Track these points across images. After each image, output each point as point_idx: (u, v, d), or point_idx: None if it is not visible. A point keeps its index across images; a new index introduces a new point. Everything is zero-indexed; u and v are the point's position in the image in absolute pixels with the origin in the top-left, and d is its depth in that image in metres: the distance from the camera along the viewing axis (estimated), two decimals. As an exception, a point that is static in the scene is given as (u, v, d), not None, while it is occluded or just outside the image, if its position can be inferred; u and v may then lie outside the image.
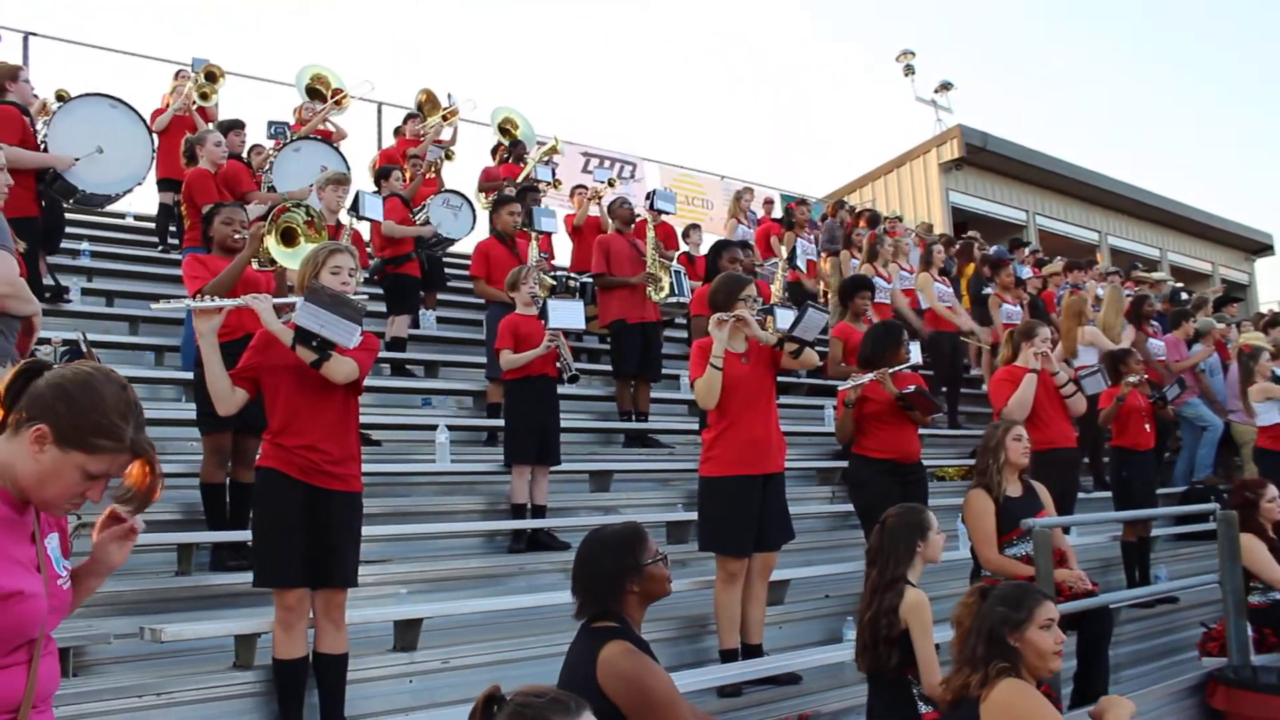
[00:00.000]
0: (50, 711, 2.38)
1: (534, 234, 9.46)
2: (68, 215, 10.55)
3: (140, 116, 8.07)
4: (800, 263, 12.14)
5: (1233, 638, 5.82)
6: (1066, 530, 6.81)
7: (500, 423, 7.86)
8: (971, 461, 9.80)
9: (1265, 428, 9.13)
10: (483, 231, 10.51)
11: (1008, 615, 3.51)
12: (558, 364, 7.15)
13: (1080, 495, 7.93)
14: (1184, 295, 16.32)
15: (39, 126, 7.69)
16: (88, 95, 7.97)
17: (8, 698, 2.21)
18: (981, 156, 22.03)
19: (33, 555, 2.27)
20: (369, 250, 9.44)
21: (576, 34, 62.81)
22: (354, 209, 8.08)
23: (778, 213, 15.23)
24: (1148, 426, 8.36)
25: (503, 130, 12.61)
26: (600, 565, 3.41)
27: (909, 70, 22.29)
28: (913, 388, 6.46)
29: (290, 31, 47.31)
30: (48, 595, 2.26)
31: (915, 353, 6.96)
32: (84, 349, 7.35)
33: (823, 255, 13.17)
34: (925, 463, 6.84)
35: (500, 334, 7.06)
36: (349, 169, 9.51)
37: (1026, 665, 3.49)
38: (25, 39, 12.54)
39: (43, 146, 7.51)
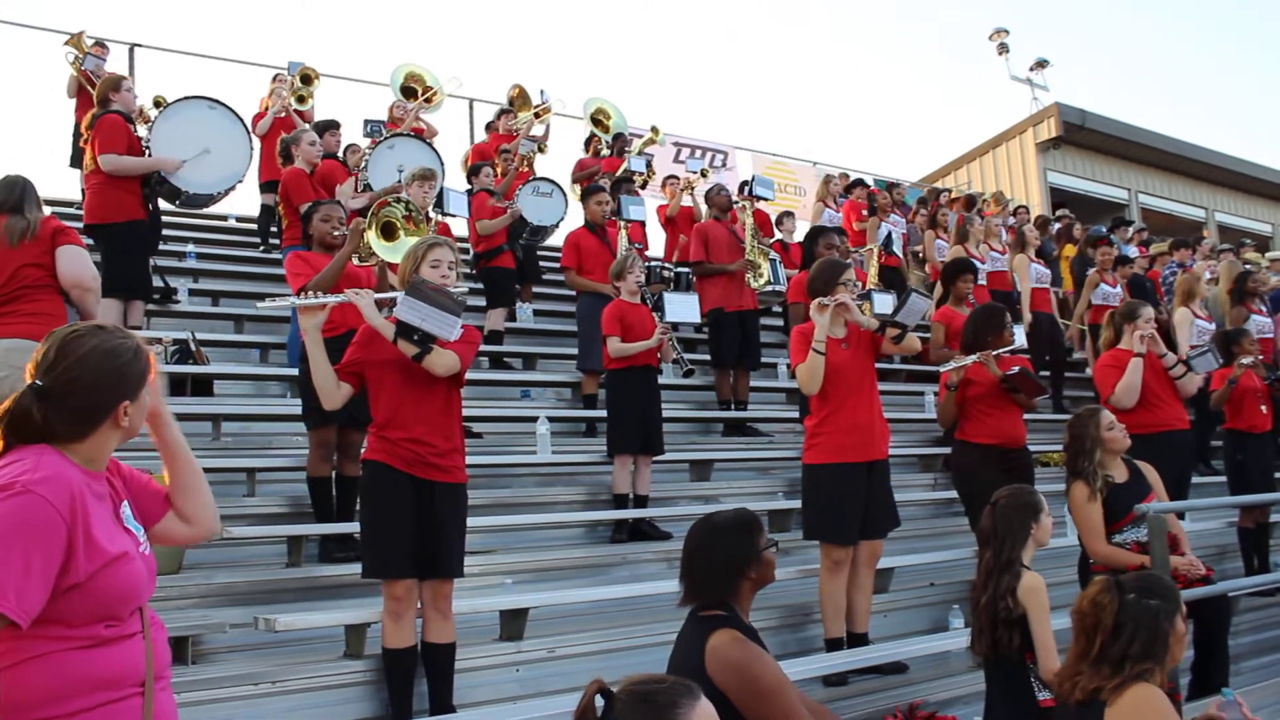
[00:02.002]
0: (169, 689, 2.46)
1: (623, 223, 9.46)
2: (173, 218, 10.88)
3: (238, 116, 8.24)
4: (896, 247, 11.97)
5: (1362, 626, 5.60)
6: (1181, 515, 6.61)
7: (598, 413, 7.89)
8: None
9: None
10: (576, 219, 10.58)
11: (1164, 607, 3.35)
12: (660, 354, 7.13)
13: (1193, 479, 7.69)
14: None
15: (141, 133, 7.90)
16: (187, 99, 8.16)
17: (133, 669, 2.32)
18: (1080, 135, 21.50)
19: (119, 522, 2.41)
20: None
21: (664, 23, 62.73)
22: (438, 205, 8.15)
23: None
24: (1264, 408, 8.07)
25: (595, 121, 12.61)
26: (717, 552, 3.36)
27: (1003, 49, 21.80)
28: (1017, 369, 6.33)
29: (381, 30, 48.05)
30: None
31: (1019, 335, 6.81)
32: (193, 348, 7.58)
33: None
34: (1030, 448, 6.70)
35: (606, 321, 7.05)
36: (443, 165, 9.61)
37: (1172, 656, 3.34)
38: (131, 50, 12.91)
39: (147, 152, 7.72)
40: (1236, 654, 6.40)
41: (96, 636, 2.26)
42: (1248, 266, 11.88)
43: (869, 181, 14.40)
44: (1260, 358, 8.30)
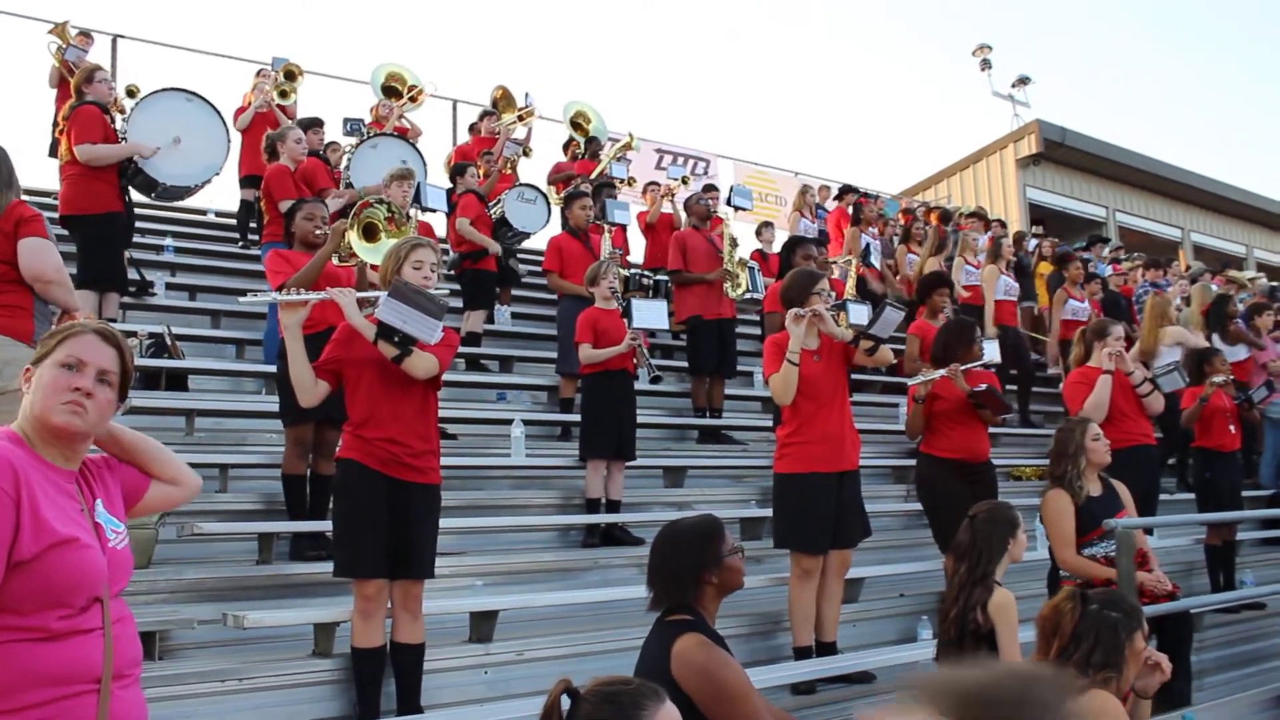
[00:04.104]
0: (137, 686, 2.42)
1: (607, 227, 9.48)
2: (152, 212, 10.83)
3: (215, 108, 8.22)
4: (874, 259, 12.03)
5: (1323, 645, 5.68)
6: (1149, 531, 6.68)
7: (574, 417, 7.90)
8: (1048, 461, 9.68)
9: None
10: (556, 225, 10.60)
11: (1125, 621, 3.42)
12: (635, 360, 7.16)
13: (1162, 497, 7.77)
14: None
15: (117, 124, 7.87)
16: (164, 90, 8.13)
17: (87, 666, 2.26)
18: (1060, 152, 21.67)
19: (81, 516, 2.36)
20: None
21: (649, 29, 62.84)
22: (416, 201, 8.13)
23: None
24: (1232, 428, 8.18)
25: (575, 125, 12.63)
26: (679, 557, 3.40)
27: (986, 65, 21.95)
28: (984, 386, 6.38)
29: (365, 27, 47.92)
30: (103, 554, 2.35)
31: (991, 350, 6.87)
32: (169, 342, 7.54)
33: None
34: (1000, 462, 6.76)
35: (580, 328, 7.08)
36: (425, 165, 9.61)
37: (1125, 675, 3.40)
38: (114, 41, 12.87)
39: (122, 142, 7.69)
40: (1201, 670, 6.47)
41: (47, 629, 2.21)
42: (1219, 291, 11.96)
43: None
44: (1230, 377, 8.39)
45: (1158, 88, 63.38)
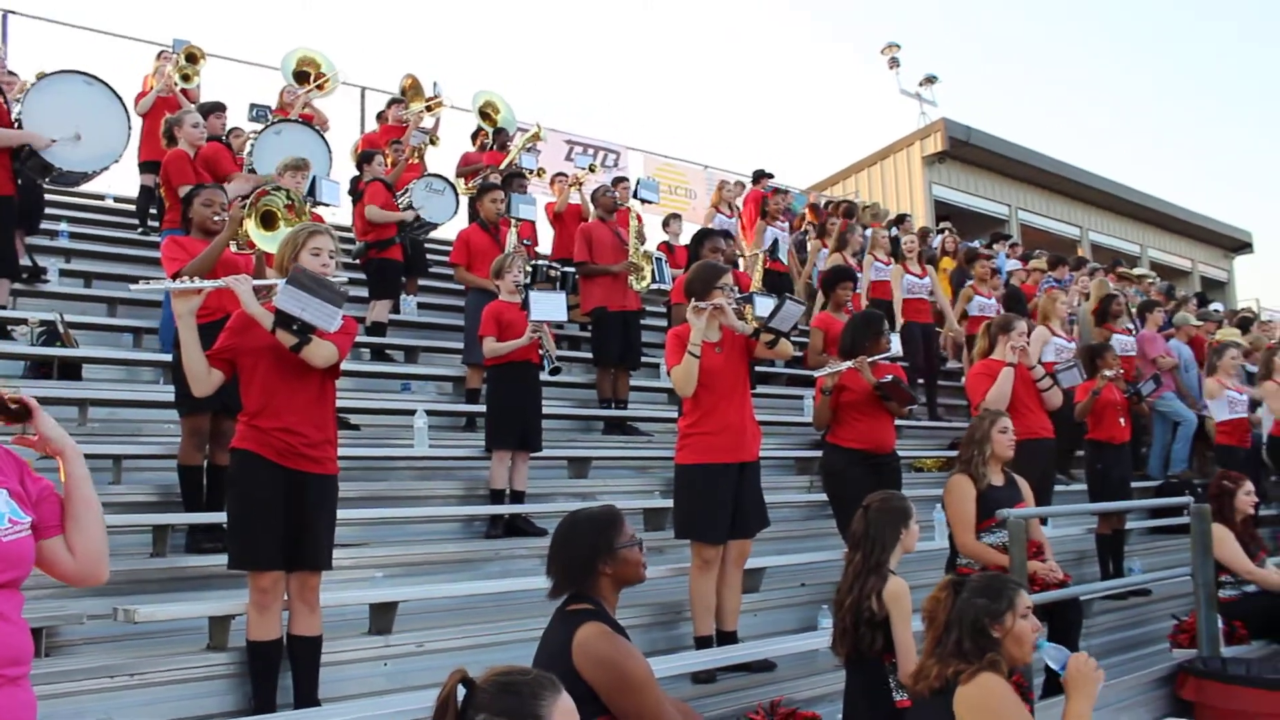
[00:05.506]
0: (21, 684, 2.32)
1: (513, 221, 9.45)
2: (47, 196, 10.49)
3: (116, 94, 7.98)
4: (781, 254, 12.14)
5: (1203, 630, 5.88)
6: (1043, 522, 6.86)
7: (479, 408, 7.86)
8: (950, 453, 9.88)
9: (1220, 423, 9.33)
10: (464, 216, 10.53)
11: (988, 606, 3.51)
12: (540, 352, 7.15)
13: (1056, 488, 7.98)
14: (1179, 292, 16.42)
15: (12, 109, 7.62)
16: (63, 72, 7.87)
17: None
18: (965, 150, 22.08)
19: None
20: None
21: (562, 21, 62.65)
22: (310, 194, 7.97)
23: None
24: (1123, 420, 8.41)
25: (483, 114, 12.56)
26: (575, 545, 3.43)
27: (894, 63, 22.30)
28: (890, 377, 6.49)
29: (269, 12, 47.04)
30: None
31: (896, 343, 6.99)
32: (61, 330, 7.34)
33: (790, 251, 13.05)
34: (903, 453, 6.87)
35: (484, 321, 7.06)
36: (330, 153, 9.46)
37: (1006, 655, 3.50)
38: (4, 17, 12.45)
39: (17, 124, 7.45)
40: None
41: None
42: (1114, 289, 12.30)
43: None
44: (1121, 372, 8.64)
45: (1060, 90, 65.03)
